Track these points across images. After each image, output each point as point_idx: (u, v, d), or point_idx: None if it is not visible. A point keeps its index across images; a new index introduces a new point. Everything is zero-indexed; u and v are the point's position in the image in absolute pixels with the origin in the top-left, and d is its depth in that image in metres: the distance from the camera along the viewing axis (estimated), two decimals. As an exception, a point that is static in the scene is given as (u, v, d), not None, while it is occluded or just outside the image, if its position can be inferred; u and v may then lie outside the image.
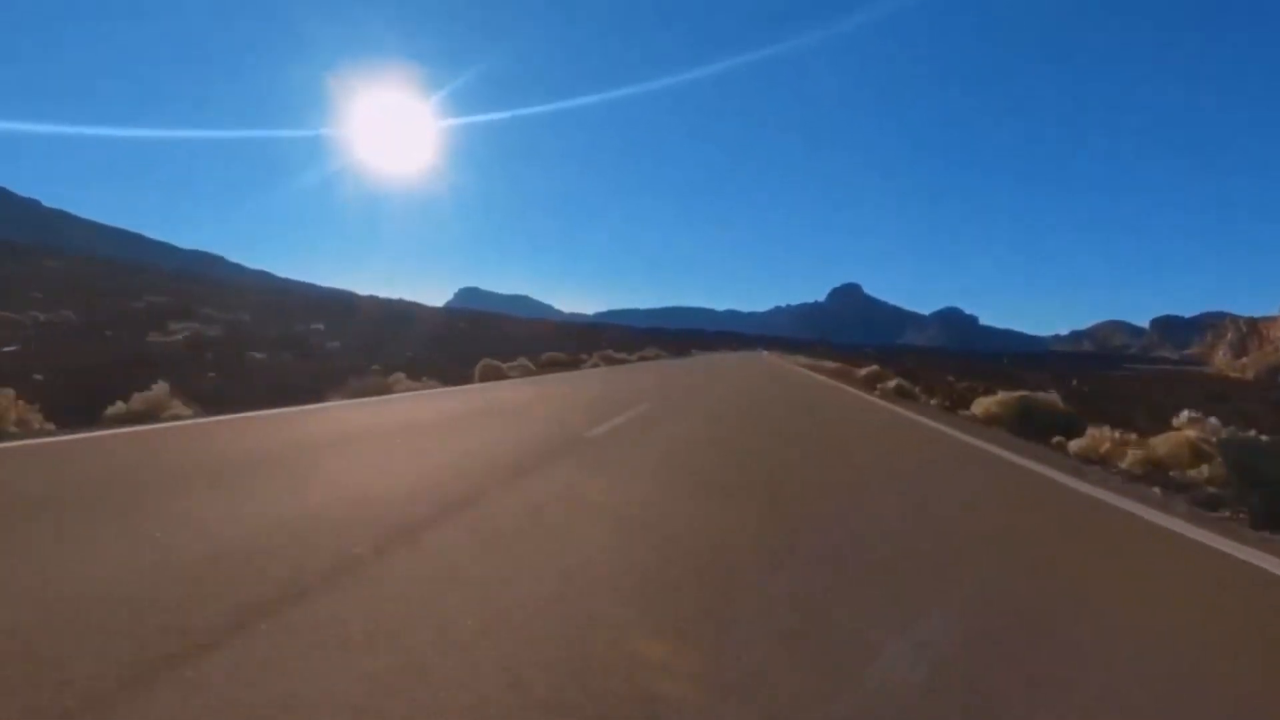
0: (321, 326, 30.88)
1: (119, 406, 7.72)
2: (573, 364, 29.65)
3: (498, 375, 18.86)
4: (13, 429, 6.44)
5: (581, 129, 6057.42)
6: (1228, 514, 4.84)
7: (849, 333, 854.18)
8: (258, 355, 16.69)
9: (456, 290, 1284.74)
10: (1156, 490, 5.62)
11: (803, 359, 50.94)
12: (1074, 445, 7.64)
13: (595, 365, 31.55)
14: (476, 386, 15.79)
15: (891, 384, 18.58)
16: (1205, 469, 5.90)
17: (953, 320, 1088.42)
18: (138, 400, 7.89)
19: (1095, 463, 7.02)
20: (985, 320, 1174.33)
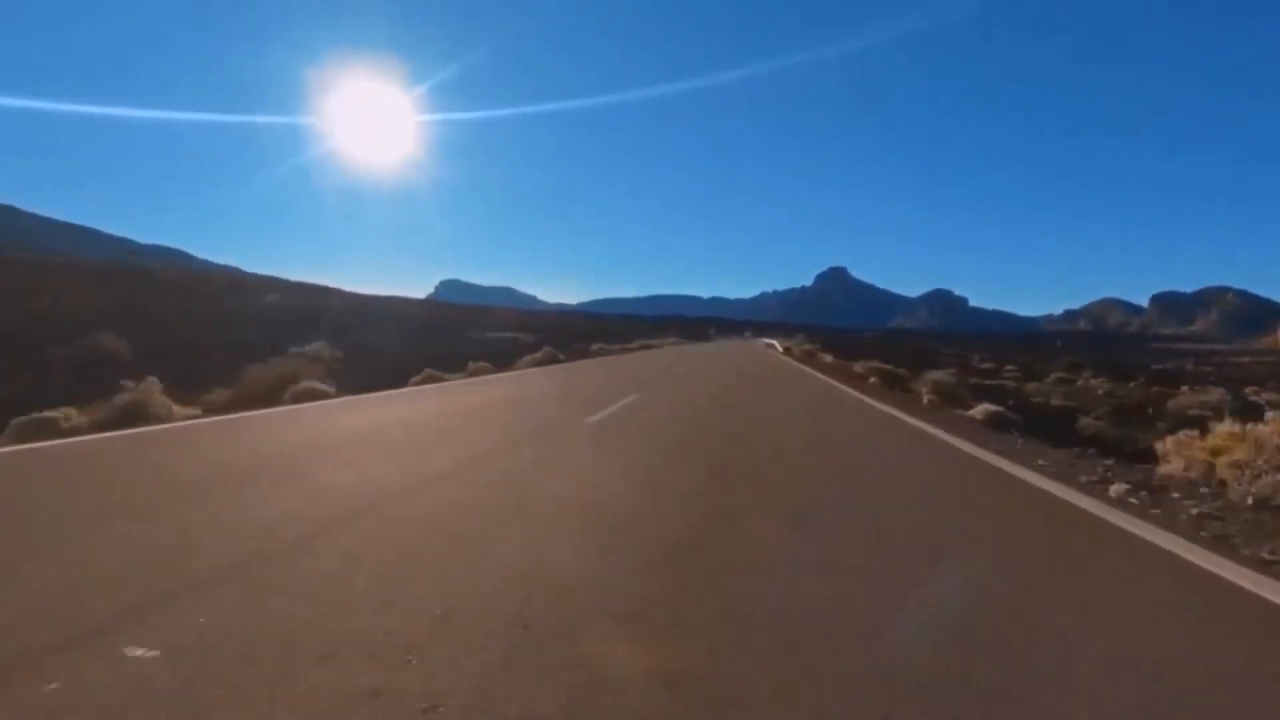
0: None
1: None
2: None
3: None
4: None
5: (565, 122, 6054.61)
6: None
7: (837, 317, 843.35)
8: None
9: (438, 283, 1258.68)
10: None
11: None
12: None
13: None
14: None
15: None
16: None
17: (943, 302, 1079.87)
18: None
19: None
20: (976, 301, 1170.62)
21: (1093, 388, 18.25)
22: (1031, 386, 18.04)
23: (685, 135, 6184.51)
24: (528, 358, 22.90)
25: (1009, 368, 24.14)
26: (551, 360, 24.12)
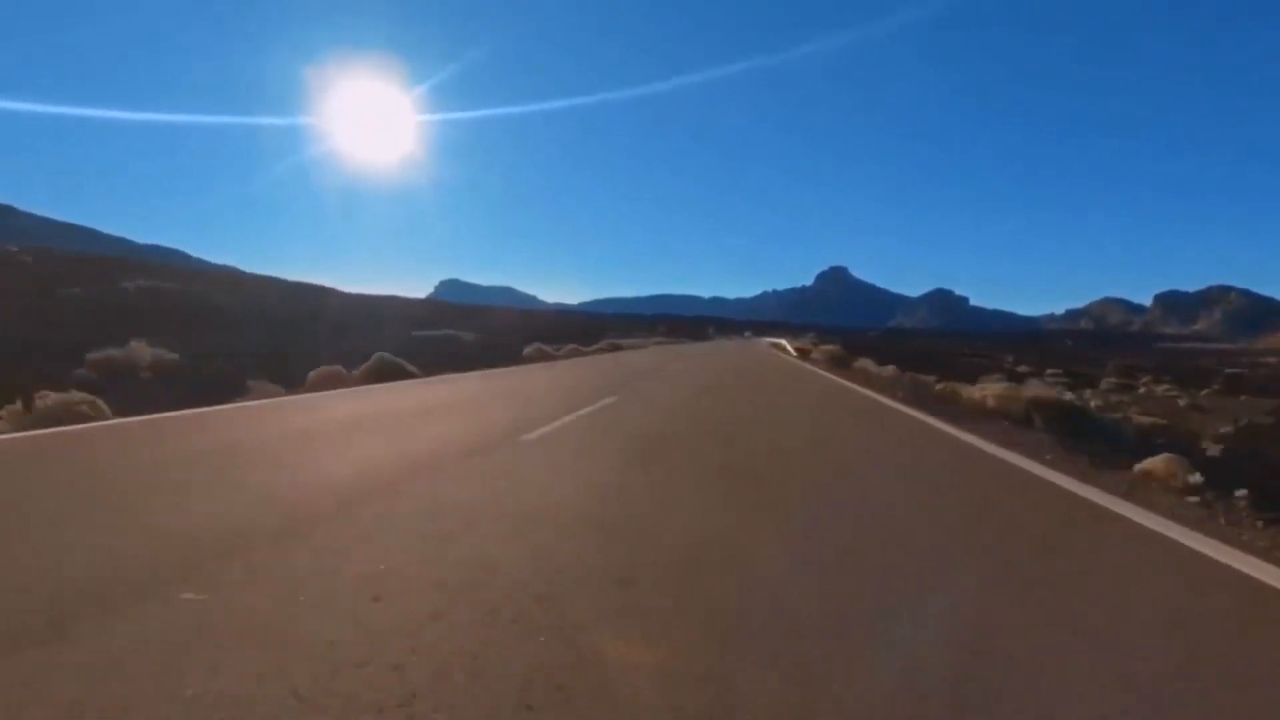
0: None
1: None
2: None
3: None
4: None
5: (565, 121, 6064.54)
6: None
7: (837, 317, 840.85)
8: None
9: (438, 283, 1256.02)
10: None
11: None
12: None
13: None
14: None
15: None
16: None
17: (943, 302, 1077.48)
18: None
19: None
20: (976, 301, 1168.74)
21: (1161, 396, 15.94)
22: (1089, 396, 15.72)
23: (685, 134, 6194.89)
24: (362, 370, 14.17)
25: (1050, 371, 21.74)
26: (392, 376, 14.19)
